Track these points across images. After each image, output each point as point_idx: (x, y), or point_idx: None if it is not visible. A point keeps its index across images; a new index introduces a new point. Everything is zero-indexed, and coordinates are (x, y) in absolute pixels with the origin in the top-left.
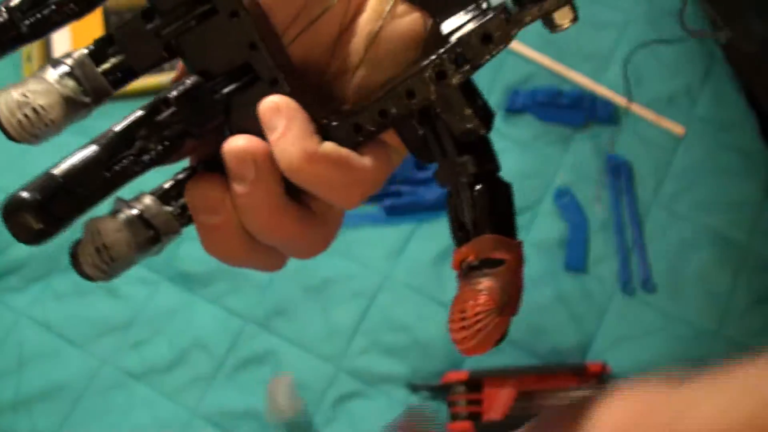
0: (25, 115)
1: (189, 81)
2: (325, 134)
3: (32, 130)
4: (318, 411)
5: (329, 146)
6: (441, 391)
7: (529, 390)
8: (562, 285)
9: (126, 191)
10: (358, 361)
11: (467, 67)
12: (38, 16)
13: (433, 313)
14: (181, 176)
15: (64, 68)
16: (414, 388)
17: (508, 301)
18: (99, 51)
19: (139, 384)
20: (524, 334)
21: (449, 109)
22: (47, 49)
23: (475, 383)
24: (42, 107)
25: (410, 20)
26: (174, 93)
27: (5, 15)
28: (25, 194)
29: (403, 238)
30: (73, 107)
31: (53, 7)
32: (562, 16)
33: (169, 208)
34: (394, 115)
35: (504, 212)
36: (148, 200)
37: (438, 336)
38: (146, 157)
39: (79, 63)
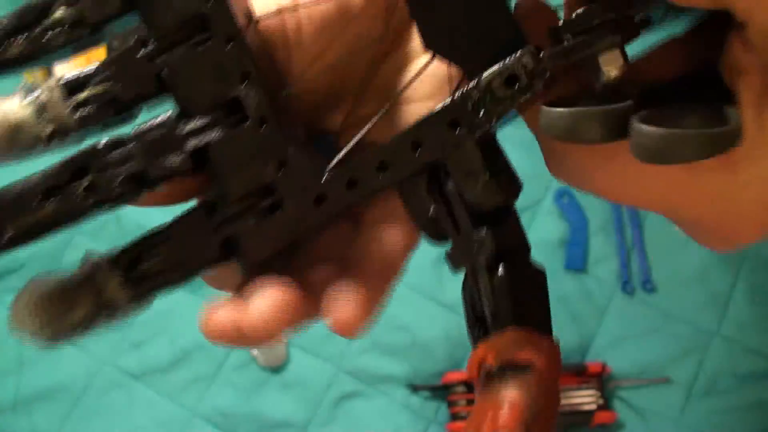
0: None
1: (159, 119)
2: (316, 184)
3: None
4: (318, 411)
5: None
6: (441, 391)
7: None
8: (562, 285)
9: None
10: (358, 361)
11: (487, 117)
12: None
13: (433, 313)
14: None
15: (31, 94)
16: (414, 388)
17: (537, 417)
18: (81, 80)
19: (139, 384)
20: None
21: (463, 169)
22: None
23: None
24: None
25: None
26: (137, 130)
27: None
28: None
29: None
30: (23, 138)
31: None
32: (610, 62)
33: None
34: (396, 171)
35: (533, 302)
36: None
37: (438, 336)
38: (97, 198)
39: (48, 89)
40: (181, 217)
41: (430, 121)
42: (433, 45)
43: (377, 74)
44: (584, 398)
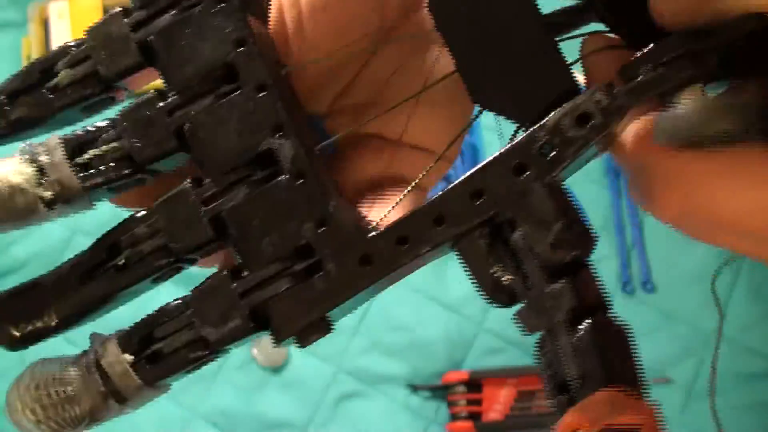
0: None
1: (174, 191)
2: (361, 242)
3: None
4: (318, 411)
5: None
6: (441, 391)
7: (529, 390)
8: None
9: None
10: (358, 361)
11: (557, 160)
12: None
13: (433, 313)
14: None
15: (32, 154)
16: (414, 388)
17: None
18: (87, 138)
19: None
20: None
21: (532, 219)
22: (47, 48)
23: (475, 383)
24: None
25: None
26: (158, 203)
27: None
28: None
29: None
30: (21, 202)
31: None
32: (691, 98)
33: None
34: (454, 224)
35: (622, 360)
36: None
37: (438, 336)
38: (135, 274)
39: (49, 148)
40: (202, 285)
41: (491, 166)
42: (485, 101)
43: (368, 66)
44: None
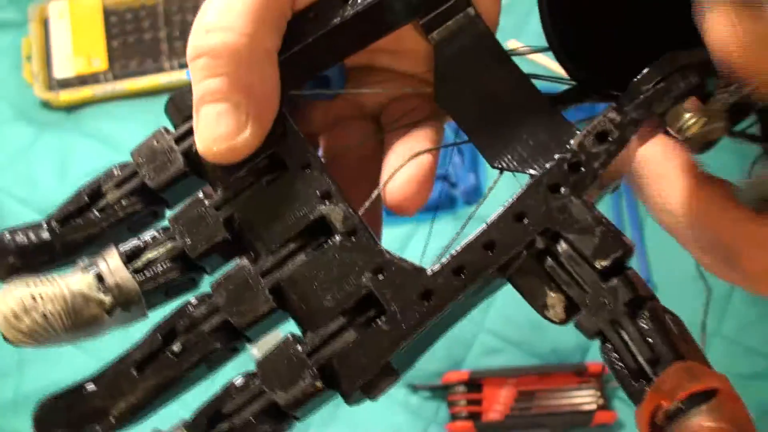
0: (34, 321)
1: (234, 268)
2: (419, 280)
3: (36, 336)
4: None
5: None
6: (441, 391)
7: (529, 390)
8: None
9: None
10: None
11: (588, 173)
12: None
13: None
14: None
15: (89, 262)
16: (414, 387)
17: None
18: (140, 246)
19: None
20: (524, 334)
21: (576, 229)
22: (47, 48)
23: (475, 383)
24: (50, 313)
25: None
26: (216, 283)
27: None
28: (49, 407)
29: (403, 238)
30: (84, 309)
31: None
32: (689, 109)
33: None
34: (505, 247)
35: (685, 338)
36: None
37: None
38: (193, 358)
39: (107, 256)
40: (268, 354)
41: (528, 190)
42: (503, 166)
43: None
44: (584, 398)
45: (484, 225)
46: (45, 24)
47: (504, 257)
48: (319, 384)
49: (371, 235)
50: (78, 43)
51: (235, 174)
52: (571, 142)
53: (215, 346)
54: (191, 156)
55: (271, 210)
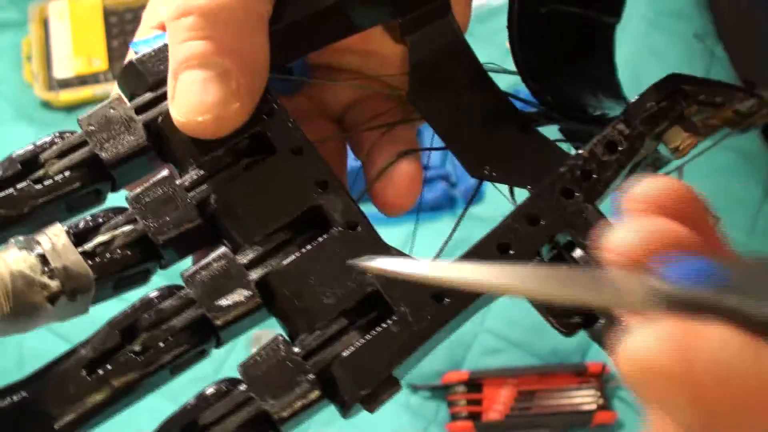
0: None
1: (213, 257)
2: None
3: None
4: None
5: None
6: (441, 391)
7: (529, 390)
8: None
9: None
10: None
11: (601, 180)
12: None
13: None
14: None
15: (27, 240)
16: (414, 388)
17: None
18: (92, 225)
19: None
20: (524, 334)
21: (591, 232)
22: (47, 48)
23: (475, 383)
24: None
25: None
26: (190, 272)
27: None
28: None
29: (403, 238)
30: (30, 293)
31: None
32: (677, 133)
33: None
34: (520, 249)
35: None
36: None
37: None
38: (161, 359)
39: (52, 235)
40: (252, 356)
41: (542, 193)
42: (481, 176)
43: None
44: (584, 398)
45: (494, 227)
46: (45, 24)
47: (519, 260)
48: (317, 392)
49: (373, 228)
50: (78, 43)
51: (212, 153)
52: (583, 149)
53: (184, 348)
54: (153, 129)
55: (254, 196)
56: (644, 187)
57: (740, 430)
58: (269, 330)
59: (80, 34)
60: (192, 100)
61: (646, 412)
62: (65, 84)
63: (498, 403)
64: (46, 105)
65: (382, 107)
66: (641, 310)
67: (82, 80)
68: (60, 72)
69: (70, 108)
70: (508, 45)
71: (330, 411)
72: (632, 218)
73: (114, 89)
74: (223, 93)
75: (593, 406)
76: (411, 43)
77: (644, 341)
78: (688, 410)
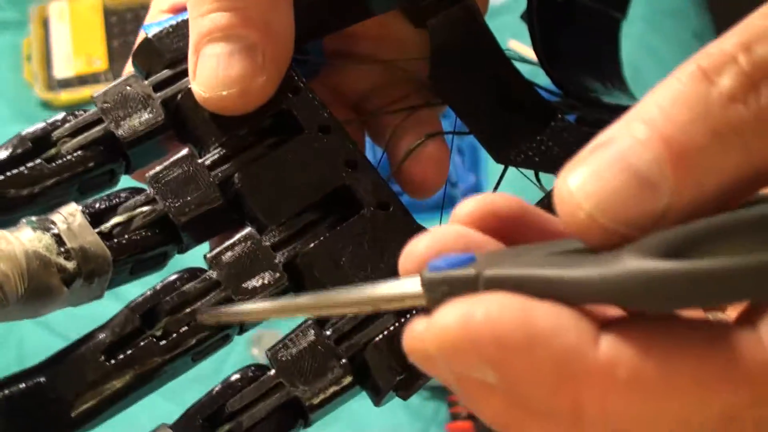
0: None
1: (238, 237)
2: None
3: None
4: None
5: None
6: (441, 391)
7: None
8: None
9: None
10: None
11: None
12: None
13: None
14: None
15: (42, 220)
16: None
17: None
18: (106, 206)
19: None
20: None
21: None
22: (47, 48)
23: None
24: (2, 274)
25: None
26: (214, 254)
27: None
28: None
29: None
30: (46, 274)
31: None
32: None
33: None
34: None
35: None
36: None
37: None
38: (184, 344)
39: (67, 215)
40: (282, 340)
41: None
42: (507, 161)
43: None
44: None
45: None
46: (45, 24)
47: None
48: (349, 378)
49: (406, 209)
50: (78, 43)
51: (235, 132)
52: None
53: (209, 331)
54: (171, 107)
55: (281, 176)
56: (462, 205)
57: (529, 384)
58: (271, 330)
59: (80, 34)
60: (216, 74)
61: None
62: (65, 84)
63: None
64: (46, 105)
65: (400, 93)
66: (420, 304)
67: (82, 80)
68: (60, 72)
69: (70, 108)
70: (510, 44)
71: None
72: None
73: (127, 66)
74: (249, 66)
75: None
76: (431, 27)
77: (425, 325)
78: (487, 371)
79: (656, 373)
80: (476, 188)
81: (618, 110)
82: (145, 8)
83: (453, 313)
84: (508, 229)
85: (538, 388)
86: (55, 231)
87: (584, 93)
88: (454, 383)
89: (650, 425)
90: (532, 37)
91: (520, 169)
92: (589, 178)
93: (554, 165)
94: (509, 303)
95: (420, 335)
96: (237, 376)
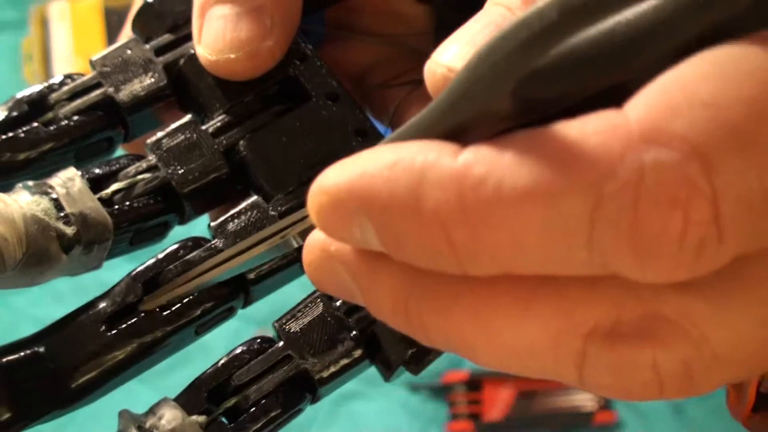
0: None
1: (244, 206)
2: None
3: None
4: (318, 411)
5: None
6: (441, 391)
7: (529, 390)
8: None
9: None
10: None
11: None
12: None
13: None
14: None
15: (39, 185)
16: (414, 388)
17: None
18: (106, 172)
19: (139, 385)
20: None
21: None
22: (47, 48)
23: (475, 383)
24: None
25: None
26: (219, 222)
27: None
28: None
29: None
30: (44, 239)
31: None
32: None
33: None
34: None
35: None
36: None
37: None
38: (188, 314)
39: (65, 180)
40: (291, 311)
41: None
42: None
43: None
44: (584, 398)
45: None
46: (45, 24)
47: None
48: (359, 351)
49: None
50: (78, 43)
51: (240, 98)
52: None
53: (214, 302)
54: (173, 72)
55: (288, 144)
56: None
57: (398, 218)
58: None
59: (80, 34)
60: (223, 36)
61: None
62: None
63: (498, 403)
64: None
65: (402, 67)
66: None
67: None
68: (60, 72)
69: None
70: None
71: (331, 410)
72: None
73: (125, 31)
74: (257, 29)
75: (593, 407)
76: (435, 2)
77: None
78: (366, 224)
79: (512, 173)
80: None
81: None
82: None
83: (333, 169)
84: None
85: (408, 221)
86: (54, 195)
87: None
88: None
89: (515, 234)
90: None
91: None
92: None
93: None
94: (379, 151)
95: (317, 192)
96: (243, 348)
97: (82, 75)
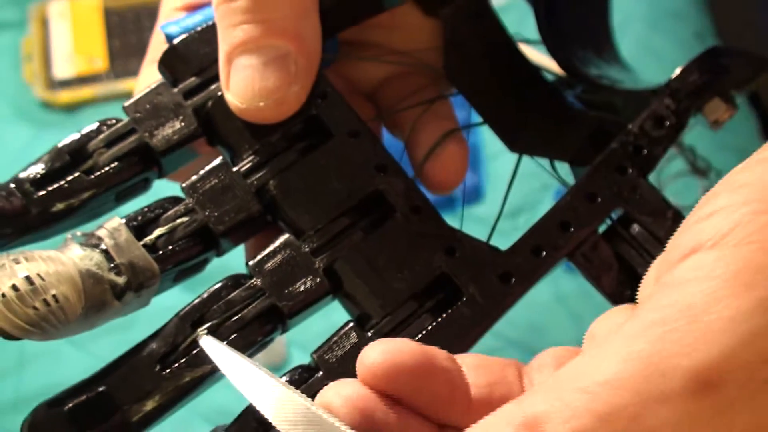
0: (35, 308)
1: (277, 245)
2: (496, 260)
3: (44, 326)
4: None
5: None
6: None
7: None
8: (561, 285)
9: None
10: None
11: (651, 156)
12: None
13: None
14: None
15: (88, 237)
16: None
17: None
18: (148, 218)
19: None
20: (524, 333)
21: (646, 211)
22: (47, 48)
23: None
24: (58, 297)
25: None
26: (256, 262)
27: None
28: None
29: None
30: (100, 291)
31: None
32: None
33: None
34: (580, 226)
35: None
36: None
37: None
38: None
39: (111, 231)
40: (325, 344)
41: (596, 172)
42: (522, 150)
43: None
44: None
45: (555, 204)
46: (45, 24)
47: (581, 236)
48: None
49: (437, 212)
50: (78, 42)
51: (267, 138)
52: (631, 125)
53: (256, 336)
54: (202, 115)
55: (314, 181)
56: (366, 355)
57: None
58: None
59: (80, 34)
60: (252, 85)
61: None
62: (65, 84)
63: None
64: (46, 105)
65: (415, 83)
66: None
67: (82, 80)
68: (60, 72)
69: (70, 108)
70: None
71: None
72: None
73: (142, 77)
74: (283, 77)
75: None
76: (444, 16)
77: None
78: None
79: None
80: (476, 188)
81: (619, 91)
82: (146, 8)
83: None
84: (413, 385)
85: None
86: (103, 247)
87: (584, 69)
88: None
89: None
90: (537, 16)
91: (535, 157)
92: None
93: (567, 152)
94: None
95: None
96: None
97: (116, 121)
